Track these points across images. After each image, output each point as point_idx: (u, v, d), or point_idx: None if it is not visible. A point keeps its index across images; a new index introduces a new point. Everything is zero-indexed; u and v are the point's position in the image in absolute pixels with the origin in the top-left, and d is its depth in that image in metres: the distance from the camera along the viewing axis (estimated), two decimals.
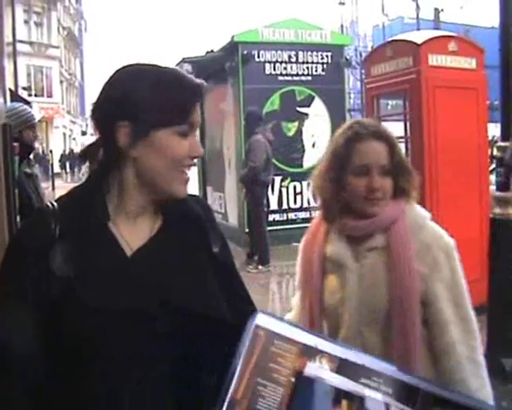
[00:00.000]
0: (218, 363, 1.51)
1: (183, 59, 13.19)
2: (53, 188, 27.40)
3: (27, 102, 6.65)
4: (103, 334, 1.43)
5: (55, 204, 1.55)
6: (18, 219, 3.19)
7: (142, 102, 1.50)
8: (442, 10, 39.06)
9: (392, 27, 45.85)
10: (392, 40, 7.45)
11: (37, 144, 5.78)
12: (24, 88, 36.39)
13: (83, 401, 1.46)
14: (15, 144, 3.67)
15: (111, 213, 1.56)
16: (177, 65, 13.10)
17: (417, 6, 39.63)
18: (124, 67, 1.60)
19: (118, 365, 1.45)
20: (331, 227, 2.29)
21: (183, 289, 1.55)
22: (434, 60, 6.72)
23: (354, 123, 2.24)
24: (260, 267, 9.75)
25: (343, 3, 48.41)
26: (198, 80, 1.59)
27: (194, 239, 1.65)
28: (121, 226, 1.56)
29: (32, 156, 5.32)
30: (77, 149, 52.62)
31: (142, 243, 1.56)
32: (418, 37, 7.00)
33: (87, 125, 73.56)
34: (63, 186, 24.88)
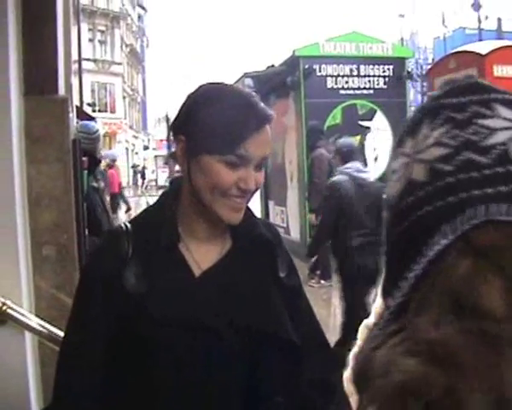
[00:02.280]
0: (283, 384, 1.53)
1: (245, 74, 13.25)
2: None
3: (92, 118, 6.80)
4: (169, 349, 1.45)
5: (128, 225, 1.58)
6: (87, 232, 3.25)
7: (198, 121, 1.49)
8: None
9: (453, 39, 45.23)
10: (456, 51, 7.34)
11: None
12: (88, 104, 37.17)
13: None
14: (84, 158, 3.75)
15: (181, 233, 1.58)
16: (238, 80, 13.19)
17: (479, 18, 39.02)
18: (206, 84, 1.60)
19: (181, 381, 1.46)
20: None
21: (248, 310, 1.54)
22: (500, 70, 6.56)
23: None
24: (323, 282, 9.68)
25: (403, 16, 48.06)
26: (266, 111, 1.53)
27: (263, 263, 1.64)
28: (191, 247, 1.58)
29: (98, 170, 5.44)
30: (139, 164, 53.49)
31: (211, 264, 1.57)
32: (482, 47, 6.87)
33: (149, 140, 74.81)
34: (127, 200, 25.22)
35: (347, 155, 5.85)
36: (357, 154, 6.23)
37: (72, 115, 3.31)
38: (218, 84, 1.58)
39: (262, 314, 1.56)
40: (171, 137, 1.59)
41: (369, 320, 2.30)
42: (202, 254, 1.58)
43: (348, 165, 5.73)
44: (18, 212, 2.58)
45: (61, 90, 2.88)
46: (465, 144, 0.64)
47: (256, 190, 1.56)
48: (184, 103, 1.57)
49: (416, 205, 0.65)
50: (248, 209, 1.64)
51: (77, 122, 4.41)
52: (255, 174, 1.53)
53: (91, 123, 5.41)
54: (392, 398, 0.53)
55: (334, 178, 5.80)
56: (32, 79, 2.73)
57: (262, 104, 1.53)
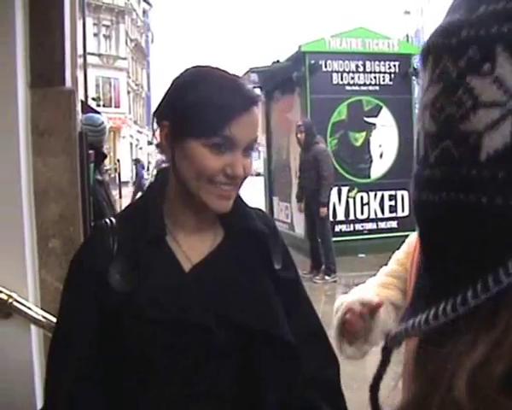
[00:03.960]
0: (276, 382, 1.49)
1: (250, 69, 13.24)
2: (120, 196, 27.85)
3: (97, 112, 6.81)
4: (159, 347, 1.42)
5: (113, 220, 1.55)
6: (92, 225, 3.23)
7: (182, 104, 1.44)
8: None
9: None
10: None
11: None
12: (93, 99, 37.20)
13: None
14: (91, 152, 3.74)
15: (169, 226, 1.53)
16: (243, 75, 13.17)
17: None
18: (191, 67, 1.54)
19: (172, 380, 1.42)
20: None
21: (241, 305, 1.50)
22: None
23: None
24: (327, 278, 9.67)
25: (408, 12, 48.00)
26: (253, 93, 1.48)
27: (256, 255, 1.58)
28: (180, 240, 1.54)
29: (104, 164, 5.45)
30: (143, 158, 53.53)
31: (201, 258, 1.53)
32: None
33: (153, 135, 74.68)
34: (130, 195, 25.31)
35: None
36: None
37: (78, 108, 3.30)
38: (203, 67, 1.53)
39: (255, 311, 1.51)
40: (155, 125, 1.54)
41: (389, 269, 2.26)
42: (192, 248, 1.53)
43: None
44: (24, 204, 2.57)
45: (68, 82, 2.86)
46: None
47: (245, 177, 1.49)
48: (169, 89, 1.52)
49: None
50: (240, 199, 1.60)
51: (82, 115, 4.40)
52: (243, 160, 1.46)
53: (97, 115, 5.40)
54: None
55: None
56: (39, 71, 2.71)
57: (249, 86, 1.50)
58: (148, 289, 1.43)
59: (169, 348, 1.41)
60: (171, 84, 1.52)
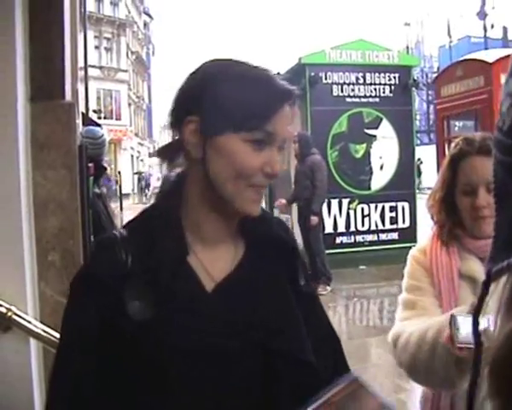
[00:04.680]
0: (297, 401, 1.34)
1: None
2: (121, 208, 27.87)
3: (98, 125, 6.83)
4: (180, 375, 1.27)
5: (125, 232, 1.37)
6: (92, 238, 3.23)
7: (214, 96, 1.30)
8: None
9: (458, 47, 45.30)
10: (463, 60, 7.35)
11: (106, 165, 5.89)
12: (94, 111, 37.28)
13: None
14: (90, 165, 3.74)
15: (189, 239, 1.37)
16: None
17: (484, 26, 39.04)
18: (209, 60, 1.41)
19: (192, 405, 1.28)
20: (460, 244, 2.20)
21: (269, 327, 1.36)
22: None
23: (461, 140, 2.20)
24: (328, 288, 9.66)
25: (408, 24, 48.16)
26: (289, 86, 1.37)
27: (281, 268, 1.45)
28: (200, 255, 1.37)
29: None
30: (145, 171, 53.57)
31: (224, 275, 1.37)
32: (489, 56, 6.86)
33: (154, 147, 74.82)
34: (131, 207, 25.32)
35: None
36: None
37: (79, 121, 3.30)
38: (219, 59, 1.42)
39: (283, 334, 1.38)
40: (172, 124, 1.39)
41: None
42: (213, 263, 1.38)
43: None
44: (23, 217, 2.57)
45: (68, 95, 2.87)
46: None
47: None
48: (188, 83, 1.38)
49: None
50: None
51: (82, 128, 4.42)
52: (278, 157, 1.37)
53: (96, 128, 5.42)
54: None
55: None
56: (39, 84, 2.72)
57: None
58: (169, 314, 1.29)
59: (191, 377, 1.28)
60: (190, 79, 1.38)
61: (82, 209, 2.87)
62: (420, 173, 27.13)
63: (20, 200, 2.55)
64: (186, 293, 1.33)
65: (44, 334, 2.52)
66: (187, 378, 1.28)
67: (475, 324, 0.64)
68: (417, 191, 12.70)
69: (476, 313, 0.65)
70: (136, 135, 64.39)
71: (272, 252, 1.44)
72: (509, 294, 0.58)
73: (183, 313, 1.31)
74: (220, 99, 1.30)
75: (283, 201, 10.34)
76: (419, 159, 26.92)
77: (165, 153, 1.46)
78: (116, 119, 54.34)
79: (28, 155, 2.66)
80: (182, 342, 1.28)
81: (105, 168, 5.39)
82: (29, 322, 2.51)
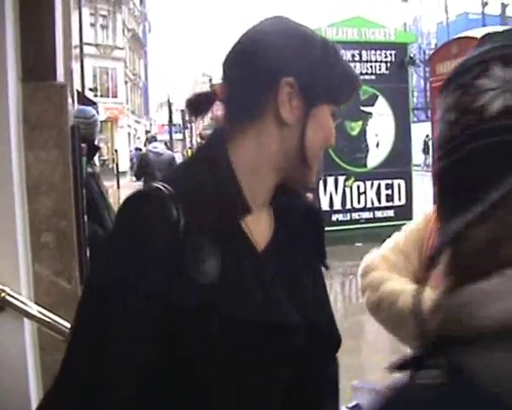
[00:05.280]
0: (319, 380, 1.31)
1: None
2: (118, 187, 27.87)
3: (94, 103, 6.80)
4: (240, 353, 1.16)
5: (169, 187, 1.17)
6: (86, 218, 3.24)
7: (316, 63, 1.24)
8: (508, 5, 38.21)
9: (456, 24, 45.10)
10: (458, 37, 7.33)
11: (102, 144, 5.86)
12: (90, 89, 37.12)
13: None
14: (83, 145, 3.74)
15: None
16: None
17: (482, 3, 38.82)
18: (283, 19, 1.33)
19: (248, 388, 1.19)
20: None
21: (310, 299, 1.32)
22: None
23: None
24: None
25: (406, 0, 47.91)
26: None
27: (310, 241, 1.38)
28: (249, 220, 1.25)
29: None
30: (142, 148, 53.57)
31: (266, 243, 1.29)
32: (484, 33, 6.83)
33: (151, 125, 74.85)
34: (129, 185, 25.30)
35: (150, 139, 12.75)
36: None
37: (72, 101, 3.29)
38: (295, 23, 1.33)
39: (319, 305, 1.34)
40: (253, 78, 1.24)
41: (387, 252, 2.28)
42: (257, 230, 1.27)
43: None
44: (16, 199, 2.57)
45: (60, 76, 2.86)
46: None
47: None
48: (277, 41, 1.25)
49: None
50: None
51: (74, 107, 4.40)
52: None
53: (88, 108, 5.40)
54: None
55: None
56: (30, 65, 2.71)
57: None
58: (230, 282, 1.17)
59: (252, 351, 1.17)
60: (276, 36, 1.26)
61: (75, 190, 2.88)
62: (429, 150, 26.59)
63: (11, 180, 2.55)
64: (243, 259, 1.22)
65: (38, 314, 2.53)
66: (249, 352, 1.17)
67: (417, 297, 0.70)
68: (425, 168, 12.69)
69: (422, 285, 0.72)
70: (133, 113, 64.22)
71: (301, 226, 1.37)
72: (446, 263, 0.72)
73: (243, 280, 1.20)
74: (322, 67, 1.25)
75: None
76: (427, 135, 26.73)
77: (198, 105, 1.34)
78: (112, 96, 54.16)
79: (20, 135, 2.66)
80: (246, 314, 1.17)
81: (98, 147, 5.39)
82: (23, 302, 2.52)
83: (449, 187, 0.78)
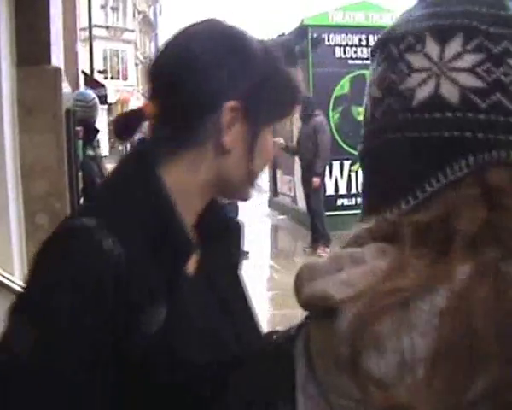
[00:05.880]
0: None
1: None
2: None
3: (102, 86, 6.83)
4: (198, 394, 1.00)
5: (106, 220, 0.97)
6: (82, 200, 3.29)
7: (259, 82, 1.08)
8: None
9: None
10: None
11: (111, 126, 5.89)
12: (100, 71, 37.13)
13: None
14: (79, 128, 3.78)
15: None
16: None
17: None
18: (208, 21, 1.15)
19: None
20: None
21: (242, 316, 1.20)
22: None
23: None
24: (327, 250, 9.68)
25: None
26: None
27: (232, 253, 1.28)
28: None
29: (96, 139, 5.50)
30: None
31: (195, 266, 1.14)
32: None
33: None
34: None
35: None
36: None
37: (76, 84, 3.33)
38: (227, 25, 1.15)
39: (249, 320, 1.23)
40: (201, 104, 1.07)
41: None
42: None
43: None
44: (9, 180, 2.62)
45: (55, 61, 2.91)
46: (498, 84, 0.67)
47: None
48: (220, 56, 1.08)
49: (443, 124, 0.67)
50: None
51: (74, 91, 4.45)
52: None
53: (88, 91, 5.46)
54: None
55: None
56: (25, 50, 2.76)
57: None
58: (183, 324, 1.02)
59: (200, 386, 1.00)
60: (203, 45, 1.08)
61: (70, 172, 2.93)
62: None
63: (4, 163, 2.60)
64: (190, 294, 1.08)
65: None
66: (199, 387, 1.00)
67: (300, 270, 0.70)
68: None
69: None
70: (143, 95, 64.09)
71: (223, 240, 1.24)
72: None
73: (193, 321, 1.05)
74: (266, 85, 1.09)
75: (282, 140, 10.21)
76: None
77: (128, 124, 1.16)
78: (123, 79, 54.17)
79: (15, 118, 2.71)
80: (199, 358, 1.02)
81: (97, 130, 5.43)
82: (15, 283, 2.57)
83: (364, 171, 0.80)
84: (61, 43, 3.45)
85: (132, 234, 0.98)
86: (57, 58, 2.98)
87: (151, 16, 69.82)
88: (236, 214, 8.00)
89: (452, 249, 0.63)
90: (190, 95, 1.06)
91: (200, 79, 1.06)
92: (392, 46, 0.72)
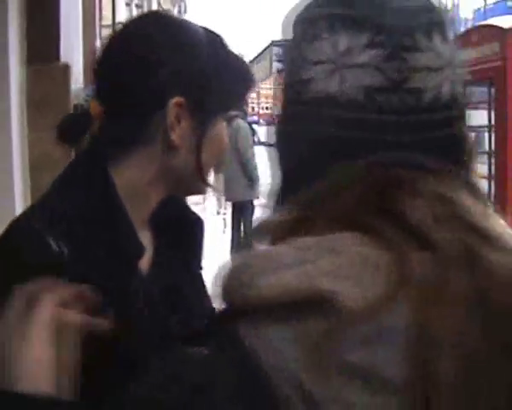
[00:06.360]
0: None
1: (273, 42, 13.22)
2: None
3: None
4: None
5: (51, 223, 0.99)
6: None
7: (199, 70, 1.08)
8: None
9: (494, 11, 44.07)
10: (479, 25, 7.10)
11: None
12: None
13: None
14: None
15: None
16: (266, 48, 13.12)
17: None
18: (148, 16, 1.19)
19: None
20: None
21: (195, 309, 1.17)
22: None
23: None
24: None
25: None
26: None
27: (189, 249, 1.27)
28: None
29: None
30: None
31: (148, 261, 1.14)
32: (506, 21, 6.57)
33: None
34: None
35: None
36: None
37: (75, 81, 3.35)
38: (167, 16, 1.19)
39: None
40: (128, 110, 1.08)
41: None
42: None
43: None
44: (16, 176, 2.64)
45: (64, 58, 2.93)
46: (392, 82, 0.66)
47: None
48: (163, 51, 1.07)
49: (350, 123, 0.66)
50: None
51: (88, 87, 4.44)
52: None
53: None
54: None
55: None
56: (34, 47, 2.78)
57: None
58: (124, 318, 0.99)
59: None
60: (162, 43, 1.08)
61: None
62: None
63: (11, 159, 2.62)
64: (132, 291, 1.07)
65: None
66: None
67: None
68: None
69: None
70: None
71: (180, 235, 1.24)
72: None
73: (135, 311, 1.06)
74: (213, 75, 1.09)
75: None
76: None
77: (73, 131, 1.16)
78: None
79: (23, 114, 2.73)
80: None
81: None
82: None
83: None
84: (79, 39, 3.48)
85: (78, 235, 0.99)
86: (68, 55, 2.99)
87: (175, 14, 70.00)
88: (252, 213, 7.98)
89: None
90: (134, 94, 1.07)
91: (143, 78, 1.06)
92: (303, 31, 0.70)
